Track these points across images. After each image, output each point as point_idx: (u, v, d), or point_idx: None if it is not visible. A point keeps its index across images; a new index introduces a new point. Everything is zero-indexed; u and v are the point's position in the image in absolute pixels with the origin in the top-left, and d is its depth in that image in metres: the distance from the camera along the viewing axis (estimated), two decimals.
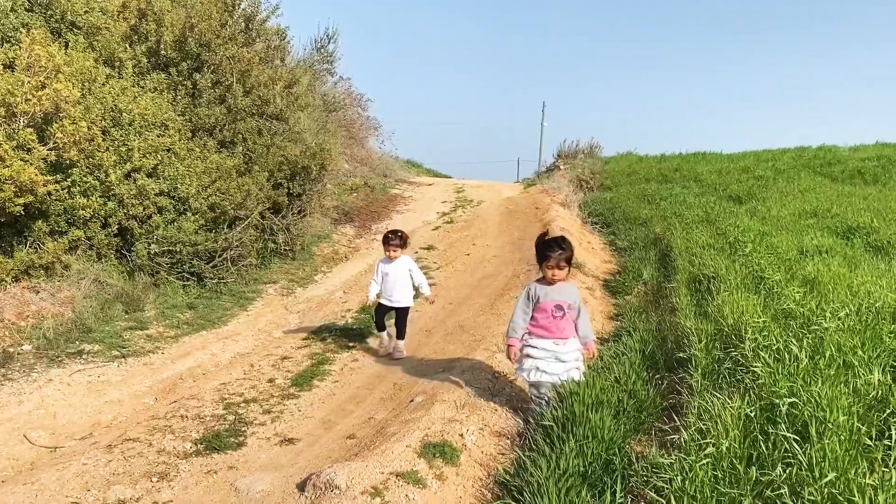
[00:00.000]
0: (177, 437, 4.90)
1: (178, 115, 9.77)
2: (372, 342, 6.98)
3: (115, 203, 8.21)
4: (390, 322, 6.66)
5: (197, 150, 9.48)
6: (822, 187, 13.59)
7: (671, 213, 11.49)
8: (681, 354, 5.16)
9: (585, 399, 4.33)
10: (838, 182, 14.64)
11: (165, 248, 8.42)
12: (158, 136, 8.91)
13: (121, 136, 8.46)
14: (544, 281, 4.67)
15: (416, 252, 11.13)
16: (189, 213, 8.75)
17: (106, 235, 8.21)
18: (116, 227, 8.28)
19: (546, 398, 4.63)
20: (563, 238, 4.76)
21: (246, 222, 9.11)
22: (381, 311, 6.52)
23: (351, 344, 6.91)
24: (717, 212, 10.87)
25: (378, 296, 6.55)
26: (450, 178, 26.62)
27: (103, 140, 8.22)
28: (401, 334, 6.51)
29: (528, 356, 4.67)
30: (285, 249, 10.11)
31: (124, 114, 8.58)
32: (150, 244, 8.37)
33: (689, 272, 7.39)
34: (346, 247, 11.66)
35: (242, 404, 5.47)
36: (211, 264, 8.71)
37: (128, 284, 8.10)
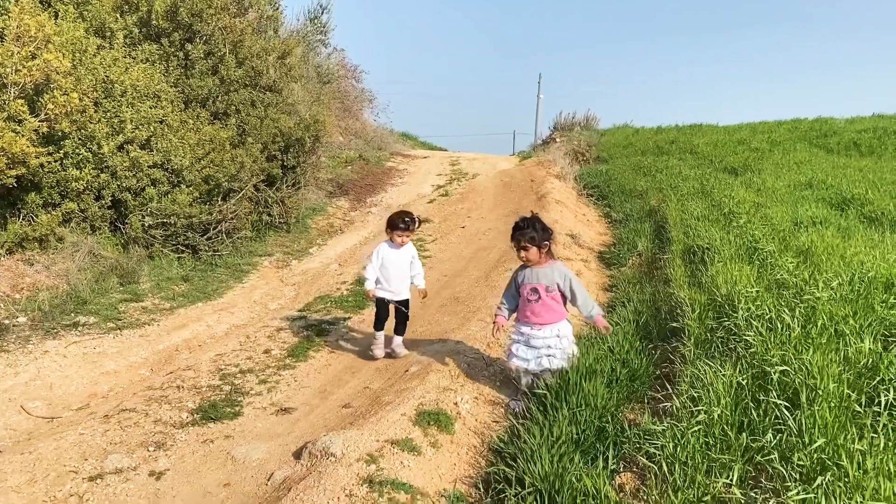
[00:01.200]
0: (173, 407, 4.93)
1: (171, 87, 9.70)
2: (366, 319, 6.98)
3: (108, 175, 8.17)
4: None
5: (190, 121, 9.42)
6: (817, 159, 13.57)
7: (667, 185, 11.47)
8: (674, 324, 5.19)
9: (580, 368, 4.37)
10: (834, 154, 14.62)
11: (160, 221, 8.40)
12: (151, 108, 8.84)
13: (113, 107, 8.39)
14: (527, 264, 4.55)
15: None
16: (183, 185, 8.71)
17: (100, 208, 8.18)
18: (110, 199, 8.25)
19: (522, 385, 4.57)
20: (531, 218, 4.56)
21: (240, 194, 9.07)
22: (384, 305, 5.60)
23: (346, 315, 6.93)
24: (712, 183, 10.86)
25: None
26: (445, 150, 26.51)
27: (95, 111, 8.15)
28: (401, 329, 5.70)
29: (512, 340, 4.62)
30: (280, 222, 10.09)
31: (116, 85, 8.50)
32: (144, 216, 8.35)
33: (683, 243, 7.40)
34: (341, 219, 11.64)
35: (238, 375, 5.50)
36: (206, 236, 8.69)
37: (122, 257, 8.09)
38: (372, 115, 21.91)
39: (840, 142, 15.53)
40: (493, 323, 4.67)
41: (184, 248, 8.63)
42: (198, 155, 8.99)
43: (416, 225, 5.58)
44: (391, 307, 5.63)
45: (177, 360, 5.96)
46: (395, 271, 5.55)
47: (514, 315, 4.66)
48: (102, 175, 8.14)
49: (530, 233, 4.43)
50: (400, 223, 5.47)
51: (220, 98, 10.21)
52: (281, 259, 9.30)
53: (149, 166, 8.44)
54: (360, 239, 10.53)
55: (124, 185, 8.26)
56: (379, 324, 5.63)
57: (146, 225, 8.34)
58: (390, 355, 5.67)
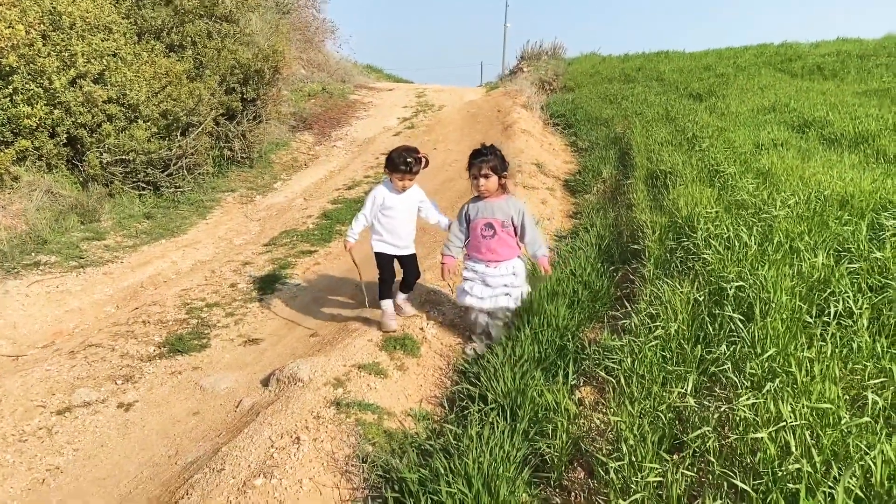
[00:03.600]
0: (139, 341, 4.93)
1: (123, 18, 9.34)
2: (332, 252, 6.96)
3: (61, 111, 7.92)
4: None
5: (144, 54, 9.12)
6: (781, 83, 13.60)
7: (632, 112, 11.46)
8: (635, 246, 5.27)
9: (542, 291, 4.43)
10: (798, 78, 14.65)
11: (118, 157, 8.20)
12: (103, 41, 8.52)
13: (62, 40, 8.07)
14: (479, 198, 4.28)
15: (377, 158, 11.01)
16: (140, 121, 8.49)
17: (55, 145, 7.96)
18: (65, 136, 8.02)
19: (477, 327, 4.40)
20: (490, 146, 4.27)
21: (199, 129, 8.87)
22: (388, 262, 4.57)
23: (313, 249, 6.91)
24: (676, 109, 10.87)
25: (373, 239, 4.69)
26: (412, 83, 26.06)
27: (44, 45, 7.84)
28: (410, 285, 4.78)
29: (464, 278, 4.38)
30: (242, 157, 9.91)
31: (64, 17, 8.15)
32: (101, 153, 8.15)
33: (646, 168, 7.45)
34: (306, 154, 11.47)
35: (205, 308, 5.49)
36: (166, 173, 8.53)
37: (82, 195, 7.93)
38: (335, 46, 21.37)
39: (804, 66, 15.56)
40: (442, 265, 4.38)
41: (145, 186, 8.48)
42: (154, 89, 8.74)
43: (423, 165, 4.45)
44: (396, 263, 4.66)
45: (142, 296, 5.92)
46: (400, 220, 4.49)
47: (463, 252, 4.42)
48: (56, 111, 7.89)
49: (492, 160, 4.15)
50: (401, 164, 4.32)
51: (174, 29, 9.86)
52: (245, 195, 9.18)
53: (103, 101, 8.18)
54: (326, 173, 10.41)
55: (79, 121, 8.02)
56: (386, 288, 4.54)
57: (104, 162, 8.15)
58: (398, 313, 4.73)
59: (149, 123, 8.52)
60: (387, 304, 4.55)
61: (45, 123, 7.77)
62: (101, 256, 6.76)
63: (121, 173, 8.26)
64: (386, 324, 4.50)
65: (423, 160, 4.45)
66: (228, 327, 5.15)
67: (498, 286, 4.25)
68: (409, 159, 4.34)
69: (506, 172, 4.27)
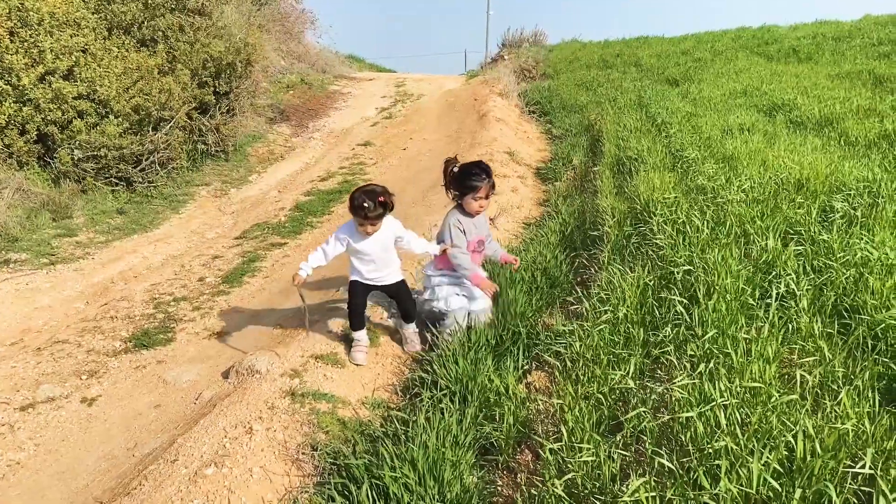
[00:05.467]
0: (106, 336, 4.98)
1: (92, 13, 9.31)
2: (302, 244, 7.01)
3: (30, 108, 7.92)
4: (390, 312, 4.66)
5: (115, 49, 9.09)
6: (756, 67, 13.69)
7: (606, 99, 11.53)
8: (594, 233, 5.36)
9: (500, 279, 4.51)
10: (774, 61, 14.75)
11: (90, 154, 8.21)
12: (72, 36, 8.51)
13: (30, 36, 8.06)
14: (464, 211, 4.20)
15: (353, 149, 11.05)
16: (111, 116, 8.49)
17: (25, 142, 7.96)
18: (35, 133, 8.02)
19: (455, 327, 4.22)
20: (482, 163, 4.24)
21: (171, 124, 8.88)
22: (360, 291, 4.06)
23: (283, 241, 6.96)
24: (649, 95, 10.94)
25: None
26: (394, 72, 26.01)
27: (11, 41, 7.83)
28: (410, 315, 4.28)
29: (443, 284, 4.30)
30: (217, 151, 9.92)
31: (31, 13, 8.13)
32: (73, 150, 8.15)
33: (614, 155, 7.53)
34: (282, 146, 11.49)
35: (172, 303, 5.55)
36: (139, 168, 8.54)
37: (54, 192, 7.94)
38: (314, 37, 21.32)
39: (780, 49, 15.65)
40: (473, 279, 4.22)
41: (117, 181, 8.48)
42: (125, 84, 8.74)
43: (386, 209, 3.82)
44: (371, 296, 4.27)
45: (112, 291, 5.96)
46: (377, 260, 4.00)
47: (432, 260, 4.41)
48: (25, 108, 7.89)
49: (491, 181, 4.20)
50: (358, 208, 3.73)
51: (145, 24, 9.84)
52: (219, 188, 9.21)
53: (74, 98, 8.18)
54: (301, 165, 10.44)
55: (49, 118, 8.02)
56: (356, 319, 4.07)
57: (76, 158, 8.15)
58: (406, 348, 4.34)
59: (120, 119, 8.52)
60: (360, 335, 4.10)
61: (14, 121, 7.77)
62: (72, 253, 6.79)
63: (93, 169, 8.27)
64: (353, 356, 4.07)
65: (387, 204, 3.77)
66: (195, 321, 5.21)
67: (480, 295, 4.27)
68: (365, 203, 3.69)
69: None
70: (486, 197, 4.18)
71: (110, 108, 8.51)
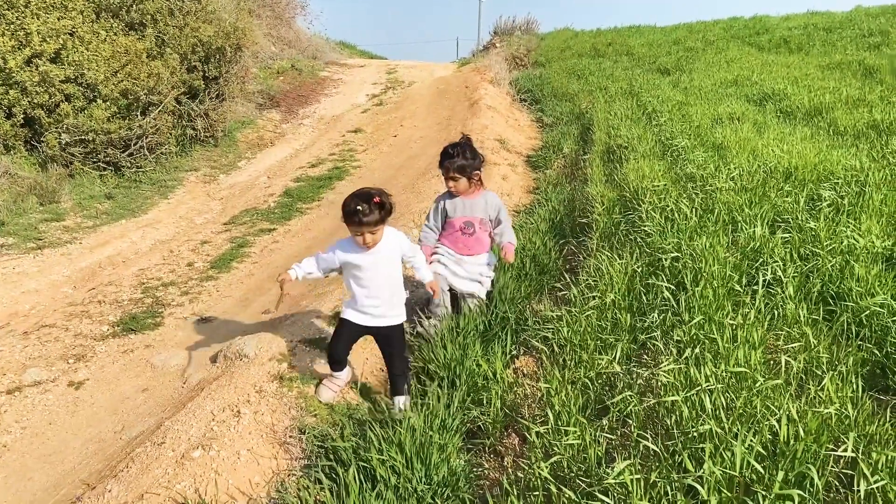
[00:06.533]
0: (94, 321, 4.96)
1: None
2: (291, 230, 6.99)
3: (17, 91, 7.85)
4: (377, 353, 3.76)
5: (103, 32, 9.01)
6: (747, 57, 13.72)
7: (597, 88, 11.52)
8: (583, 220, 5.37)
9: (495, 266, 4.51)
10: (765, 51, 14.78)
11: (77, 138, 8.15)
12: (59, 19, 8.42)
13: (16, 18, 7.98)
14: (453, 194, 4.10)
15: (344, 136, 11.01)
16: (99, 100, 8.43)
17: (12, 126, 7.89)
18: (22, 116, 7.96)
19: (439, 306, 4.13)
20: (461, 144, 4.03)
21: (159, 108, 8.81)
22: (348, 334, 3.43)
23: (272, 227, 6.94)
24: (640, 84, 10.95)
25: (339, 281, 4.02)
26: (385, 59, 25.89)
27: None
28: (400, 386, 3.47)
29: (436, 256, 4.20)
30: (206, 136, 9.86)
31: None
32: (60, 134, 8.09)
33: (604, 143, 7.54)
34: (272, 132, 11.43)
35: (160, 288, 5.53)
36: (127, 153, 8.48)
37: (41, 176, 7.88)
38: (305, 22, 21.17)
39: (771, 39, 15.69)
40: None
41: (105, 166, 8.43)
42: (113, 68, 8.66)
43: (384, 211, 3.21)
44: (363, 337, 3.52)
45: (100, 276, 5.93)
46: (376, 277, 3.35)
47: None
48: (11, 91, 7.83)
49: (459, 161, 3.95)
50: (350, 213, 3.14)
51: (133, 7, 9.75)
52: (208, 174, 9.16)
53: (61, 81, 8.12)
54: (291, 151, 10.40)
55: (36, 101, 7.96)
56: (337, 359, 3.47)
57: (63, 142, 8.09)
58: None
59: (108, 103, 8.46)
60: (338, 376, 3.52)
61: (0, 104, 7.70)
62: (59, 237, 6.75)
63: (81, 153, 8.21)
64: (319, 391, 3.51)
65: (385, 205, 3.20)
66: (183, 306, 5.19)
67: (473, 273, 4.18)
68: (358, 207, 3.10)
69: (478, 171, 4.06)
70: (451, 178, 3.99)
71: (98, 92, 8.44)
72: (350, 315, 3.39)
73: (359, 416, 3.39)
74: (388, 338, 3.45)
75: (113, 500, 2.82)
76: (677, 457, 2.50)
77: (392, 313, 3.40)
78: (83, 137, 8.15)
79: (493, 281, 4.35)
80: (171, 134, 9.12)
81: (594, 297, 3.79)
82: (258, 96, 12.58)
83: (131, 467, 3.01)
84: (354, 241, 3.28)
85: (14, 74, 7.71)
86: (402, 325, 3.48)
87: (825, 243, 4.00)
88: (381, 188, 3.32)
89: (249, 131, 11.09)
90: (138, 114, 8.74)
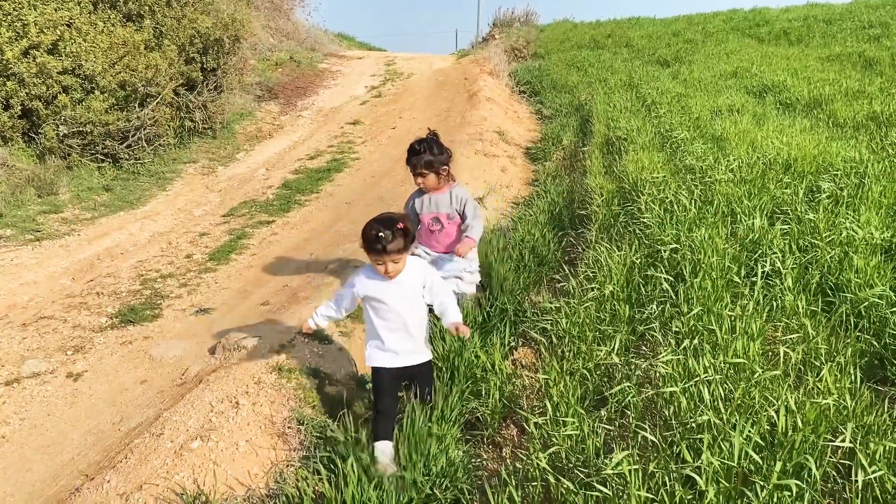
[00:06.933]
0: (92, 312, 4.96)
1: None
2: (290, 222, 6.98)
3: (14, 83, 7.82)
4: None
5: (100, 24, 8.96)
6: (747, 49, 13.70)
7: (597, 79, 11.50)
8: (582, 212, 5.36)
9: (490, 257, 4.51)
10: (764, 43, 14.75)
11: (75, 129, 8.11)
12: (56, 10, 8.38)
13: (14, 9, 7.94)
14: (423, 190, 4.12)
15: (342, 127, 10.98)
16: (97, 92, 8.39)
17: (9, 118, 7.87)
18: (20, 108, 7.92)
19: None
20: (427, 139, 3.99)
21: (157, 100, 8.79)
22: (388, 382, 3.08)
23: (271, 219, 6.93)
24: (639, 75, 10.92)
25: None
26: (384, 51, 25.81)
27: None
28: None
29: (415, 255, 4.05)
30: (204, 128, 9.83)
31: None
32: (58, 125, 8.06)
33: (604, 135, 7.52)
34: (271, 124, 11.40)
35: (159, 279, 5.52)
36: (125, 144, 8.46)
37: (39, 168, 7.85)
38: (304, 14, 21.09)
39: (771, 31, 15.66)
40: None
41: (104, 158, 8.40)
42: (111, 59, 8.62)
43: (406, 239, 2.92)
44: (399, 379, 3.16)
45: (98, 268, 5.92)
46: (400, 312, 3.04)
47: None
48: (9, 83, 7.80)
49: (426, 157, 3.93)
50: (372, 240, 2.87)
51: None
52: (206, 165, 9.14)
53: (58, 72, 8.08)
54: (290, 143, 10.37)
55: (33, 92, 7.93)
56: (384, 423, 3.01)
57: (61, 134, 8.06)
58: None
59: (106, 94, 8.42)
60: (384, 445, 2.96)
61: None
62: (57, 229, 6.74)
63: (78, 145, 8.18)
64: (380, 470, 2.84)
65: (408, 232, 2.92)
66: (181, 297, 5.19)
67: (451, 271, 4.09)
68: (381, 233, 2.83)
69: (446, 167, 4.02)
70: (419, 174, 3.97)
71: (96, 84, 8.41)
72: (379, 360, 3.08)
73: (356, 408, 3.40)
74: (421, 376, 3.18)
75: (112, 490, 2.82)
76: (675, 448, 2.50)
77: (422, 348, 3.14)
78: (81, 129, 8.12)
79: (482, 276, 4.27)
80: (169, 126, 9.09)
81: (593, 289, 3.79)
82: (256, 88, 12.54)
83: (130, 458, 3.01)
84: (375, 271, 3.01)
85: (11, 65, 7.68)
86: (429, 361, 3.23)
87: (824, 235, 4.00)
88: (404, 214, 3.18)
89: (248, 123, 11.05)
90: (136, 105, 8.71)
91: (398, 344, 3.06)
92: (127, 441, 3.29)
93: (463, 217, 4.09)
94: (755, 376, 2.80)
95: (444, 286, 3.20)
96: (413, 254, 3.97)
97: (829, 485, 2.41)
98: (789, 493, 2.19)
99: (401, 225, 2.88)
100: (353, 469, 2.69)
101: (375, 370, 3.11)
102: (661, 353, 3.10)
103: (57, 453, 3.41)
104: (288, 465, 2.97)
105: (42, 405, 3.84)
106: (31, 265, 5.94)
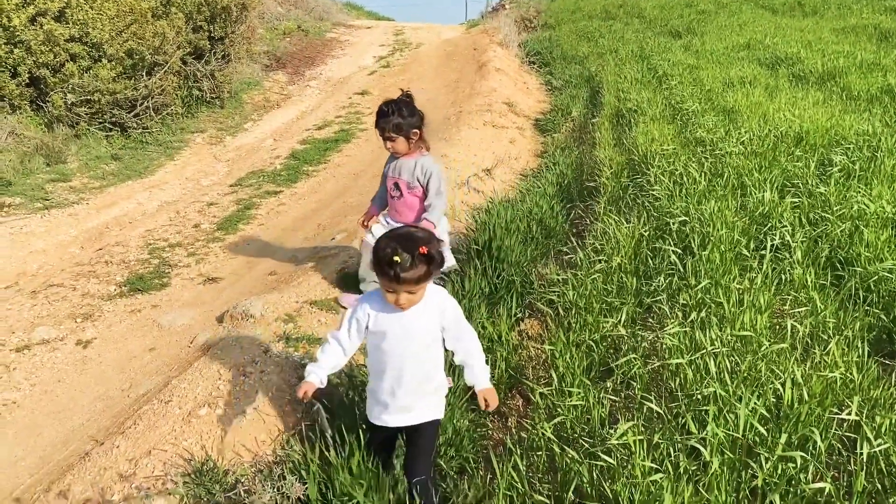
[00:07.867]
0: (101, 281, 4.98)
1: None
2: (298, 192, 6.96)
3: (22, 50, 7.77)
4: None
5: None
6: (761, 20, 13.48)
7: (607, 50, 11.36)
8: (591, 184, 5.33)
9: (497, 229, 4.50)
10: (778, 14, 14.52)
11: (83, 98, 8.09)
12: None
13: None
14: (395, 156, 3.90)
15: (350, 98, 10.91)
16: (104, 60, 8.34)
17: (17, 86, 7.83)
18: (27, 76, 7.89)
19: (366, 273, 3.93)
20: (398, 101, 3.69)
21: (165, 68, 8.74)
22: (374, 443, 2.60)
23: (278, 189, 6.92)
24: (651, 47, 10.78)
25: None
26: (392, 21, 25.57)
27: None
28: (421, 469, 2.45)
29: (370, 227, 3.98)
30: (212, 97, 9.79)
31: None
32: (65, 93, 8.03)
33: (614, 107, 7.45)
34: (278, 94, 11.34)
35: (167, 249, 5.54)
36: (133, 113, 8.43)
37: (47, 136, 7.85)
38: None
39: (785, 2, 15.39)
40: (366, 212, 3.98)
41: (112, 127, 8.39)
42: (118, 27, 8.57)
43: (431, 265, 2.21)
44: (395, 437, 2.65)
45: (106, 236, 5.94)
46: (401, 355, 2.38)
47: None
48: (16, 51, 7.75)
49: (395, 120, 3.66)
50: (384, 264, 2.18)
51: None
52: (214, 135, 9.12)
53: (66, 40, 8.03)
54: (297, 113, 10.32)
55: (41, 60, 7.88)
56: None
57: (69, 102, 8.04)
58: None
59: (113, 63, 8.38)
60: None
61: (5, 63, 7.64)
62: (66, 198, 6.75)
63: (86, 114, 8.16)
64: None
65: (433, 259, 2.20)
66: (189, 267, 5.21)
67: None
68: (396, 257, 2.16)
69: (415, 130, 3.74)
70: (387, 138, 3.73)
71: (103, 52, 8.36)
72: (369, 412, 2.54)
73: (363, 377, 3.41)
74: (416, 437, 2.49)
75: (121, 455, 2.86)
76: (681, 419, 2.51)
77: (421, 404, 2.44)
78: (89, 97, 8.10)
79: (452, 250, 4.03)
80: (176, 95, 9.06)
81: (600, 261, 3.78)
82: (264, 57, 12.46)
83: (139, 424, 3.04)
84: (384, 299, 2.33)
85: (19, 33, 7.63)
86: (435, 422, 2.50)
87: (835, 208, 3.97)
88: (431, 232, 2.49)
89: (255, 93, 11.00)
90: (144, 74, 8.66)
91: (388, 396, 2.43)
92: (136, 407, 3.33)
93: (426, 191, 3.82)
94: (762, 349, 2.80)
95: (470, 330, 2.56)
96: (376, 223, 3.89)
97: (834, 457, 2.41)
98: (794, 465, 2.20)
99: (424, 249, 2.17)
100: (358, 439, 2.70)
101: (371, 424, 2.56)
102: (667, 325, 3.09)
103: (67, 418, 3.45)
104: (294, 433, 3.00)
105: (52, 371, 3.88)
106: (41, 233, 5.96)
